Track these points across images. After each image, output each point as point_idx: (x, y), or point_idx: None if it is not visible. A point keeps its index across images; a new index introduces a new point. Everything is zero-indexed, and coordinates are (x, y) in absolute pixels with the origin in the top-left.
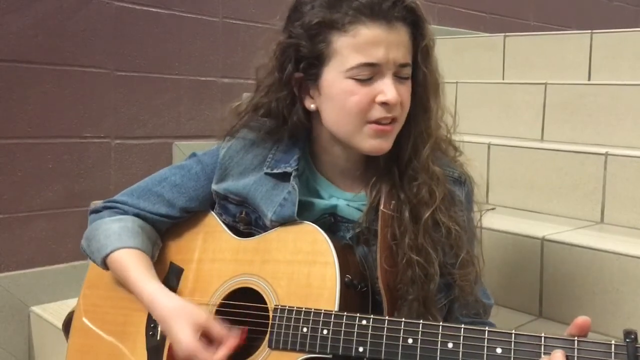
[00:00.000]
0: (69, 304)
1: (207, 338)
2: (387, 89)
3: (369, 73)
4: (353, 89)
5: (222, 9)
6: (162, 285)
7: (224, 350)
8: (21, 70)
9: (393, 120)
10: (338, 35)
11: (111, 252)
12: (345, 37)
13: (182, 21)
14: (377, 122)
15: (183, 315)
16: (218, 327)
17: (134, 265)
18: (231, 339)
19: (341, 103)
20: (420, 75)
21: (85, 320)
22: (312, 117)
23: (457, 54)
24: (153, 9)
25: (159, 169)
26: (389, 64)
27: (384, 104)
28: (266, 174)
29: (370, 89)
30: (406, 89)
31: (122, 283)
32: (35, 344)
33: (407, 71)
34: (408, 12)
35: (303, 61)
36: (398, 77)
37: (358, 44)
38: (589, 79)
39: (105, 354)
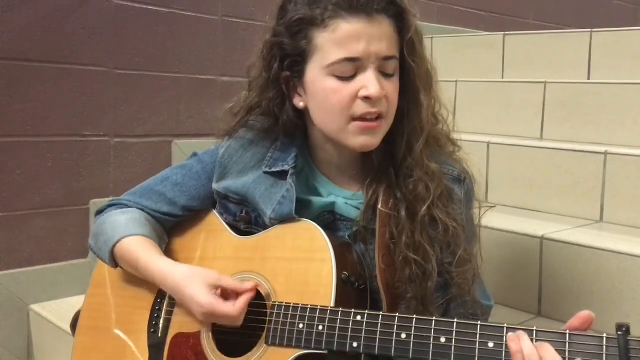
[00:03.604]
0: (69, 302)
1: (222, 296)
2: (370, 83)
3: (351, 69)
4: (334, 87)
5: (222, 7)
6: (171, 260)
7: (243, 299)
8: (20, 69)
9: (379, 117)
10: (319, 32)
11: (119, 240)
12: (325, 33)
13: (181, 19)
14: (362, 118)
15: (195, 278)
16: (231, 281)
17: (143, 248)
18: (247, 290)
19: (324, 102)
20: (408, 68)
21: (90, 318)
22: (304, 115)
23: (456, 53)
24: (152, 7)
25: (159, 168)
26: (371, 57)
27: (367, 98)
28: (265, 172)
29: (352, 85)
30: (392, 85)
31: (131, 268)
32: (34, 342)
33: (392, 65)
34: (389, 4)
35: (287, 59)
36: (383, 73)
37: (338, 39)
38: (589, 78)
39: (109, 352)
